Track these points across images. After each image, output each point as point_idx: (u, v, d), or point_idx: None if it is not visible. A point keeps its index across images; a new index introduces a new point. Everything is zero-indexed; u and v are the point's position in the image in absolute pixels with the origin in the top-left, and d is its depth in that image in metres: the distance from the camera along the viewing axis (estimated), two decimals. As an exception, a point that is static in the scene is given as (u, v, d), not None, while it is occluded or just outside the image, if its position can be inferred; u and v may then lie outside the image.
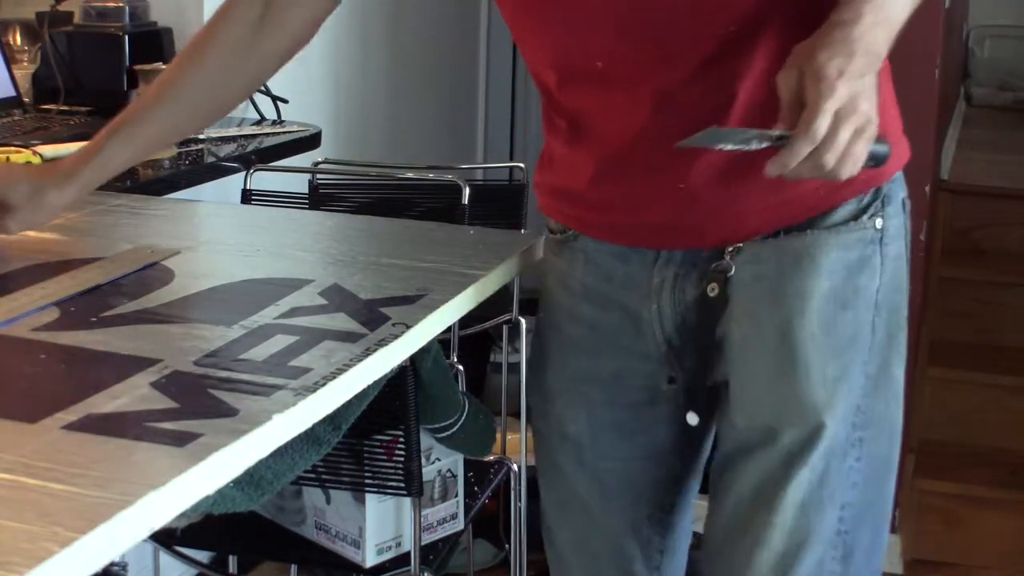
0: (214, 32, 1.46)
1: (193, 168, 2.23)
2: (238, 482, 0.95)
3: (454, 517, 1.82)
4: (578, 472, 1.45)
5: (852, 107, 1.09)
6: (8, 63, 2.51)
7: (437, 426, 1.67)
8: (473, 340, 2.73)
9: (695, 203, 1.30)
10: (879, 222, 1.32)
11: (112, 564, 0.86)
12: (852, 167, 1.10)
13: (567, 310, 1.42)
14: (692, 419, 1.38)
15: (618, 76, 1.28)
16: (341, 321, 1.21)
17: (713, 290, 1.32)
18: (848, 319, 1.30)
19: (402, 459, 1.60)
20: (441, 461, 1.78)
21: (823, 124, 1.08)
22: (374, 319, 1.22)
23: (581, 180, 1.36)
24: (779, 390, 1.31)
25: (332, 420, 1.43)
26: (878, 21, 1.13)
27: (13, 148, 2.00)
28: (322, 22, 1.51)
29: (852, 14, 1.13)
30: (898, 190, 1.35)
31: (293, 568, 2.43)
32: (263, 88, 2.72)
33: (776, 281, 1.30)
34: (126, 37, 2.51)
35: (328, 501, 1.73)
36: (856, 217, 1.31)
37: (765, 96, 1.17)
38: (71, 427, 0.95)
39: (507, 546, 2.71)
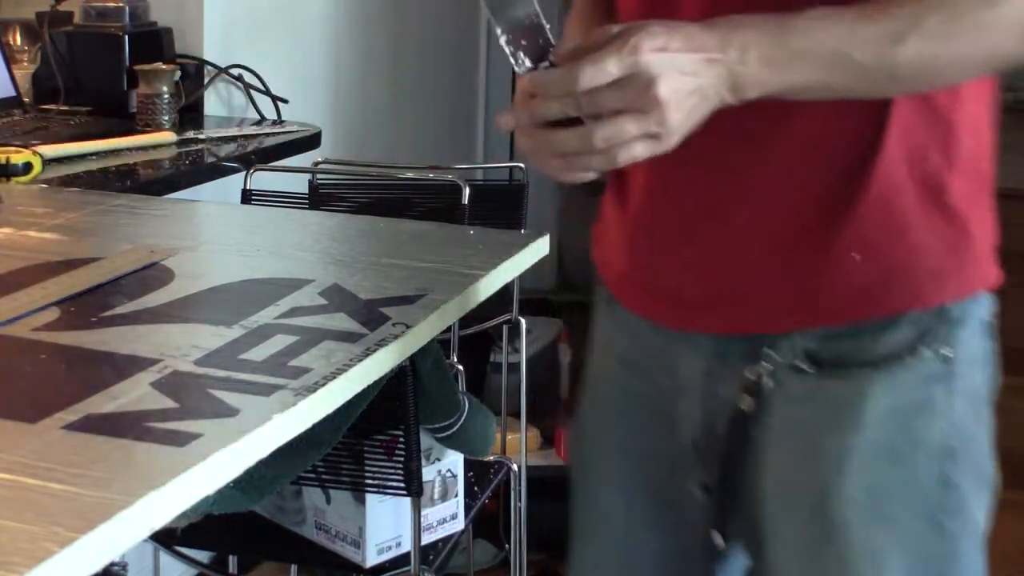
0: None
1: (193, 168, 2.23)
2: (238, 482, 0.95)
3: (454, 517, 1.82)
4: (609, 542, 1.31)
5: (643, 84, 0.91)
6: (8, 63, 2.51)
7: (437, 426, 1.67)
8: (473, 340, 2.73)
9: (720, 276, 1.14)
10: (947, 351, 1.10)
11: (112, 564, 0.86)
12: (606, 143, 0.93)
13: (605, 371, 1.30)
14: (717, 540, 1.22)
15: None
16: (341, 321, 1.21)
17: (748, 405, 1.15)
18: (901, 476, 1.10)
19: (402, 459, 1.60)
20: (441, 461, 1.78)
21: (588, 74, 0.90)
22: (374, 319, 1.22)
23: (614, 237, 1.25)
24: (816, 565, 1.13)
25: (332, 420, 1.43)
26: (747, 47, 0.95)
27: (13, 148, 2.00)
28: None
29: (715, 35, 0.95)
30: (976, 310, 1.12)
31: (293, 568, 2.43)
32: (263, 88, 2.72)
33: (813, 435, 1.11)
34: (126, 37, 2.52)
35: (328, 501, 1.73)
36: (913, 348, 1.09)
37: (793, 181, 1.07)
38: (71, 427, 0.95)
39: (507, 546, 2.71)
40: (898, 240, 1.08)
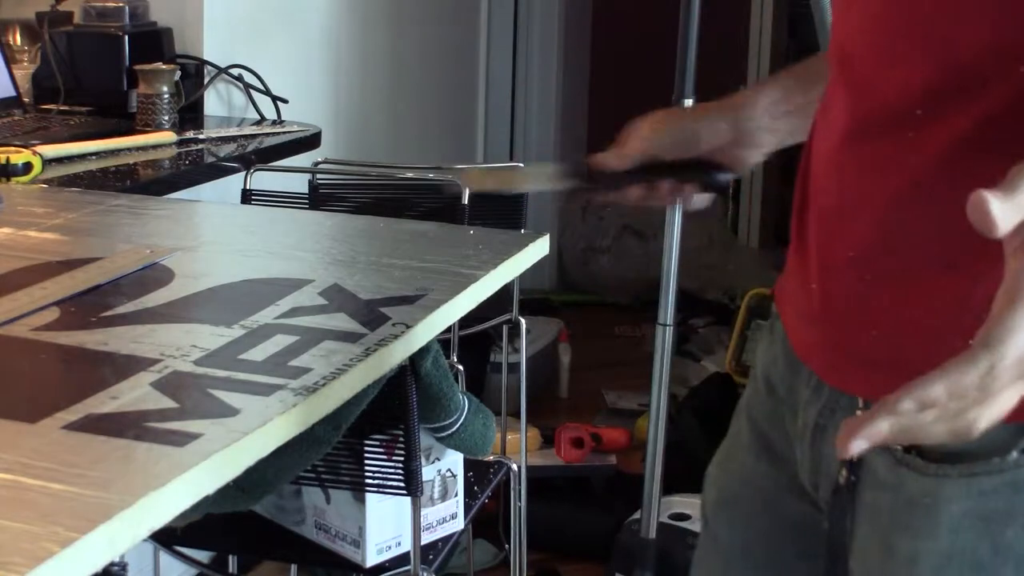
0: None
1: (193, 168, 2.23)
2: (238, 482, 0.95)
3: (454, 517, 1.82)
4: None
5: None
6: (8, 63, 2.51)
7: (437, 426, 1.67)
8: (473, 340, 2.73)
9: (823, 312, 1.06)
10: None
11: (112, 564, 0.86)
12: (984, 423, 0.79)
13: (751, 396, 1.23)
14: None
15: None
16: (341, 321, 1.21)
17: (843, 477, 1.05)
18: None
19: (402, 459, 1.60)
20: (441, 461, 1.78)
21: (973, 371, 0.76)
22: (374, 319, 1.22)
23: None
24: None
25: (332, 420, 1.43)
26: None
27: (13, 148, 2.00)
28: None
29: None
30: None
31: (293, 568, 2.43)
32: (263, 88, 2.72)
33: (890, 529, 1.03)
34: (126, 37, 2.52)
35: (328, 501, 1.73)
36: (1004, 451, 0.95)
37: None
38: (71, 427, 0.95)
39: (507, 546, 2.71)
40: None
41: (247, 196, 2.34)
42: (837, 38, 1.06)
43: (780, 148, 1.24)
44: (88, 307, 1.25)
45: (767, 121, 1.22)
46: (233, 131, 2.51)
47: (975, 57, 0.92)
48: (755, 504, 1.21)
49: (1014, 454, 0.95)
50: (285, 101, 2.74)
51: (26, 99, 2.54)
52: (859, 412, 1.01)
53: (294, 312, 1.23)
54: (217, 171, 2.30)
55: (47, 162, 2.02)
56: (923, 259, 0.97)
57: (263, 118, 2.70)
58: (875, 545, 1.04)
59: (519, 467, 2.20)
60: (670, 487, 2.46)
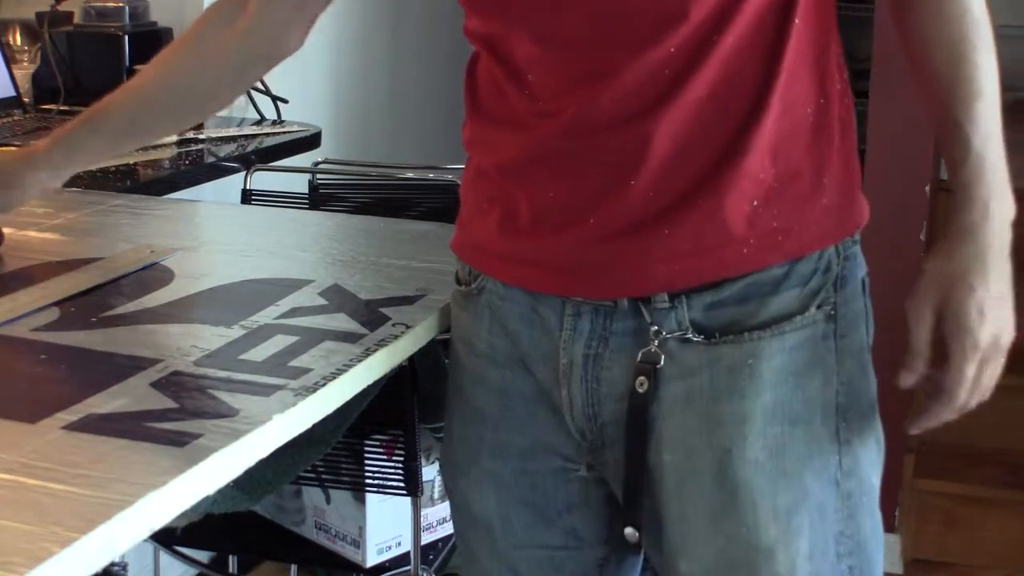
0: (191, 32, 1.43)
1: (193, 168, 2.23)
2: (238, 482, 0.95)
3: (454, 517, 1.82)
4: (491, 560, 1.26)
5: (994, 350, 1.10)
6: (8, 63, 2.51)
7: (437, 426, 1.67)
8: (473, 340, 2.72)
9: (601, 238, 1.11)
10: (831, 308, 1.12)
11: (112, 564, 0.86)
12: (981, 397, 1.12)
13: (472, 373, 1.24)
14: (631, 535, 1.18)
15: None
16: (341, 321, 1.21)
17: (642, 385, 1.12)
18: (799, 435, 1.11)
19: (402, 459, 1.60)
20: (441, 461, 1.77)
21: (965, 389, 1.10)
22: (374, 319, 1.22)
23: (495, 217, 1.18)
24: (723, 532, 1.12)
25: (332, 420, 1.43)
26: (1003, 203, 1.11)
27: (13, 148, 2.00)
28: (306, 29, 1.45)
29: (978, 212, 1.10)
30: (855, 269, 1.15)
31: (293, 568, 2.43)
32: (263, 88, 2.72)
33: (710, 402, 1.11)
34: (126, 37, 2.52)
35: (328, 501, 1.73)
36: (803, 309, 1.11)
37: (685, 148, 1.08)
38: (71, 427, 0.95)
39: (507, 546, 2.71)
40: (792, 183, 1.10)
41: (247, 196, 2.34)
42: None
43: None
44: (88, 307, 1.25)
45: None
46: (233, 131, 2.51)
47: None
48: (505, 473, 1.22)
49: (812, 310, 1.11)
50: (285, 101, 2.74)
51: (26, 99, 2.54)
52: (651, 325, 1.11)
53: (294, 312, 1.23)
54: (217, 171, 2.30)
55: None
56: (693, 154, 1.09)
57: (263, 118, 2.70)
58: (695, 425, 1.12)
59: (519, 467, 2.20)
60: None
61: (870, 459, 1.15)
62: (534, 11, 1.10)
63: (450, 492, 1.29)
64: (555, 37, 1.09)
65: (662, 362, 1.12)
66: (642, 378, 1.12)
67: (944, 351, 1.11)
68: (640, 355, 1.12)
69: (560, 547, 1.24)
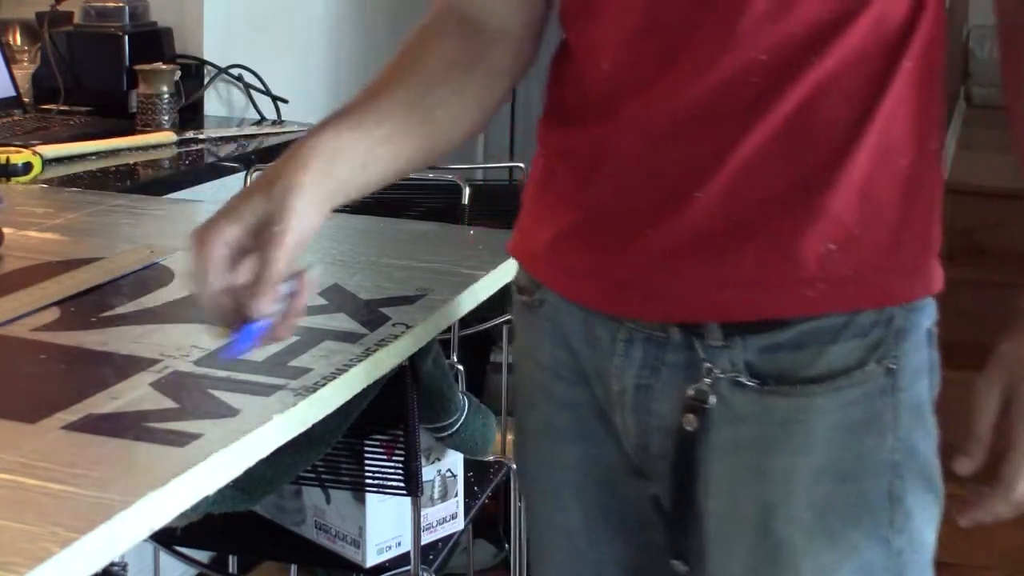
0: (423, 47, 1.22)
1: (193, 168, 2.23)
2: (238, 482, 0.95)
3: (454, 517, 1.82)
4: (575, 564, 1.23)
5: None
6: (8, 63, 2.51)
7: (437, 426, 1.67)
8: (473, 340, 2.72)
9: (657, 254, 1.06)
10: (891, 363, 1.06)
11: (112, 564, 0.86)
12: None
13: (540, 387, 1.21)
14: (678, 567, 1.16)
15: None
16: (341, 321, 1.21)
17: (690, 424, 1.09)
18: (848, 493, 1.06)
19: (402, 459, 1.60)
20: (441, 461, 1.77)
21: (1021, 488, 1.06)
22: (374, 319, 1.22)
23: (549, 204, 1.16)
24: None
25: (332, 420, 1.43)
26: None
27: (13, 148, 2.00)
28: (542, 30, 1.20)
29: None
30: (921, 319, 1.08)
31: (293, 568, 2.43)
32: (263, 88, 2.72)
33: (758, 454, 1.07)
34: (126, 37, 2.52)
35: (328, 501, 1.73)
36: (861, 363, 1.05)
37: (762, 168, 1.02)
38: (71, 427, 0.95)
39: (507, 546, 2.71)
40: (873, 233, 1.05)
41: (247, 196, 2.34)
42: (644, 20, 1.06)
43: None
44: (88, 307, 1.25)
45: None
46: (233, 131, 2.51)
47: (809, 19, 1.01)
48: (589, 489, 1.19)
49: (871, 365, 1.05)
50: (285, 101, 2.74)
51: (26, 99, 2.54)
52: (703, 361, 1.07)
53: (294, 312, 1.23)
54: (217, 171, 2.30)
55: (47, 162, 2.02)
56: (775, 179, 1.03)
57: (263, 118, 2.70)
58: (741, 474, 1.08)
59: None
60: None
61: (926, 515, 1.10)
62: None
63: (529, 505, 1.27)
64: (642, 17, 1.04)
65: (712, 402, 1.07)
66: (691, 416, 1.08)
67: (1006, 438, 1.07)
68: (691, 391, 1.08)
69: (640, 559, 1.21)
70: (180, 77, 2.51)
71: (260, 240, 0.97)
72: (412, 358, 1.38)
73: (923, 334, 1.09)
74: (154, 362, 1.09)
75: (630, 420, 1.13)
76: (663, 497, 1.15)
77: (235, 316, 0.98)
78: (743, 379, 1.06)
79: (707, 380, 1.07)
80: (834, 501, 1.06)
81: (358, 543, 1.70)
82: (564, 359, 1.17)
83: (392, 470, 1.62)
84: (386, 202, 2.37)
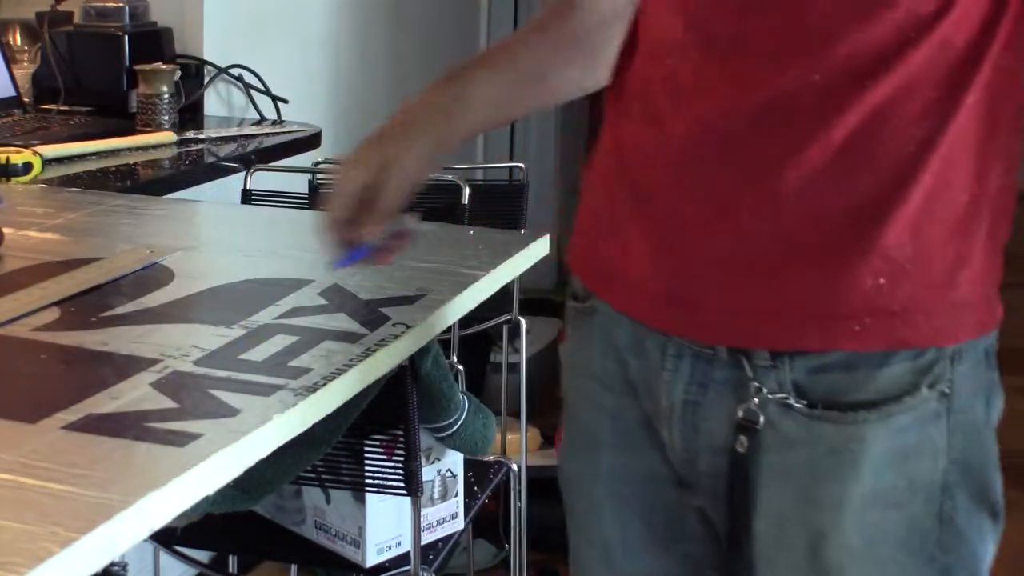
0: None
1: (193, 168, 2.23)
2: (238, 482, 0.95)
3: (454, 517, 1.82)
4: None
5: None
6: (8, 63, 2.51)
7: (437, 426, 1.67)
8: (473, 340, 2.73)
9: (704, 267, 1.06)
10: (945, 387, 1.03)
11: (112, 564, 0.86)
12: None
13: (587, 396, 1.21)
14: None
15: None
16: (341, 321, 1.21)
17: (742, 445, 1.07)
18: (899, 519, 1.05)
19: (402, 459, 1.60)
20: (441, 461, 1.77)
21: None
22: (374, 319, 1.22)
23: (609, 214, 1.14)
24: None
25: (332, 420, 1.43)
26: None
27: (13, 148, 2.00)
28: None
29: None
30: (977, 341, 1.05)
31: (293, 568, 2.43)
32: (263, 88, 2.72)
33: (808, 480, 1.05)
34: (126, 37, 2.52)
35: (328, 501, 1.73)
36: (913, 388, 1.02)
37: (813, 194, 1.00)
38: (71, 427, 0.95)
39: (507, 546, 2.71)
40: (926, 270, 1.01)
41: (247, 196, 2.34)
42: (711, 21, 1.05)
43: None
44: (88, 307, 1.25)
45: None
46: (233, 131, 2.51)
47: (871, 35, 0.98)
48: (626, 496, 1.19)
49: (923, 390, 1.02)
50: (285, 101, 2.74)
51: (26, 99, 2.54)
52: (752, 381, 1.05)
53: (294, 312, 1.23)
54: (217, 171, 2.30)
55: (47, 162, 2.02)
56: (829, 209, 1.01)
57: (263, 118, 2.70)
58: (791, 501, 1.06)
59: (519, 467, 2.20)
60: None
61: (979, 530, 1.08)
62: None
63: (568, 511, 1.26)
64: (706, 21, 1.03)
65: (761, 423, 1.06)
66: (743, 438, 1.07)
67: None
68: (741, 412, 1.06)
69: (676, 572, 1.20)
70: (180, 77, 2.51)
71: (377, 180, 1.18)
72: (412, 358, 1.38)
73: (979, 354, 1.06)
74: (154, 362, 1.09)
75: (677, 436, 1.12)
76: (711, 512, 1.14)
77: (347, 243, 1.19)
78: (791, 400, 1.05)
79: (755, 400, 1.06)
80: (885, 527, 1.05)
81: (358, 543, 1.70)
82: (613, 369, 1.16)
83: (392, 470, 1.61)
84: (386, 202, 2.37)
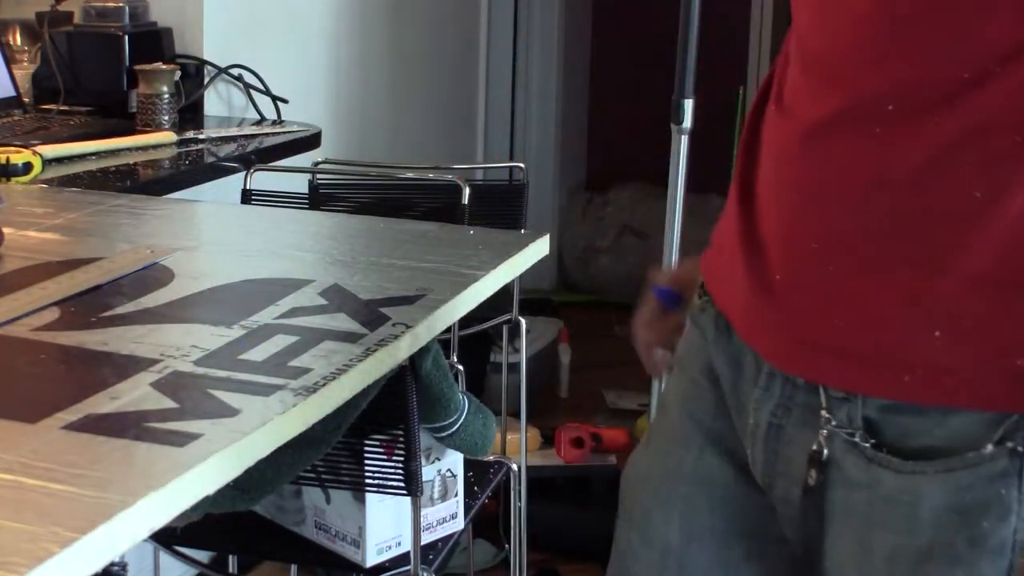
0: None
1: (193, 168, 2.23)
2: (238, 482, 0.95)
3: (454, 517, 1.82)
4: None
5: None
6: (8, 63, 2.51)
7: (437, 426, 1.67)
8: (473, 340, 2.73)
9: (786, 301, 1.04)
10: (1017, 444, 0.97)
11: (112, 564, 0.86)
12: None
13: (681, 394, 1.20)
14: None
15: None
16: (341, 321, 1.21)
17: (812, 478, 1.04)
18: (963, 574, 1.00)
19: (402, 459, 1.60)
20: (441, 461, 1.77)
21: None
22: (374, 319, 1.22)
23: (729, 222, 1.13)
24: None
25: (332, 420, 1.43)
26: None
27: (13, 148, 2.00)
28: None
29: None
30: None
31: (293, 568, 2.43)
32: (263, 88, 2.72)
33: (864, 525, 1.03)
34: (126, 37, 2.52)
35: (328, 501, 1.73)
36: (979, 443, 0.97)
37: (875, 227, 0.98)
38: (71, 427, 0.95)
39: (507, 546, 2.71)
40: (986, 329, 0.97)
41: (247, 196, 2.34)
42: (806, 36, 1.06)
43: None
44: (88, 307, 1.25)
45: None
46: (233, 131, 2.51)
47: (946, 62, 0.95)
48: (700, 502, 1.17)
49: (989, 447, 0.97)
50: (285, 101, 2.74)
51: (26, 99, 2.54)
52: (823, 410, 1.03)
53: (294, 312, 1.23)
54: (217, 171, 2.30)
55: (47, 162, 2.02)
56: (884, 253, 0.99)
57: (263, 118, 2.70)
58: (849, 543, 1.05)
59: (519, 467, 2.20)
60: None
61: None
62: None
63: (625, 501, 1.23)
64: (812, 28, 1.03)
65: (825, 457, 1.04)
66: (813, 471, 1.05)
67: None
68: (815, 446, 1.04)
69: None
70: (180, 77, 2.51)
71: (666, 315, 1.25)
72: (412, 358, 1.38)
73: None
74: (154, 362, 1.09)
75: (759, 457, 1.10)
76: (789, 534, 1.12)
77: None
78: (857, 439, 1.02)
79: (824, 432, 1.04)
80: None
81: (358, 543, 1.70)
82: (708, 372, 1.15)
83: (392, 470, 1.62)
84: (386, 202, 2.37)
